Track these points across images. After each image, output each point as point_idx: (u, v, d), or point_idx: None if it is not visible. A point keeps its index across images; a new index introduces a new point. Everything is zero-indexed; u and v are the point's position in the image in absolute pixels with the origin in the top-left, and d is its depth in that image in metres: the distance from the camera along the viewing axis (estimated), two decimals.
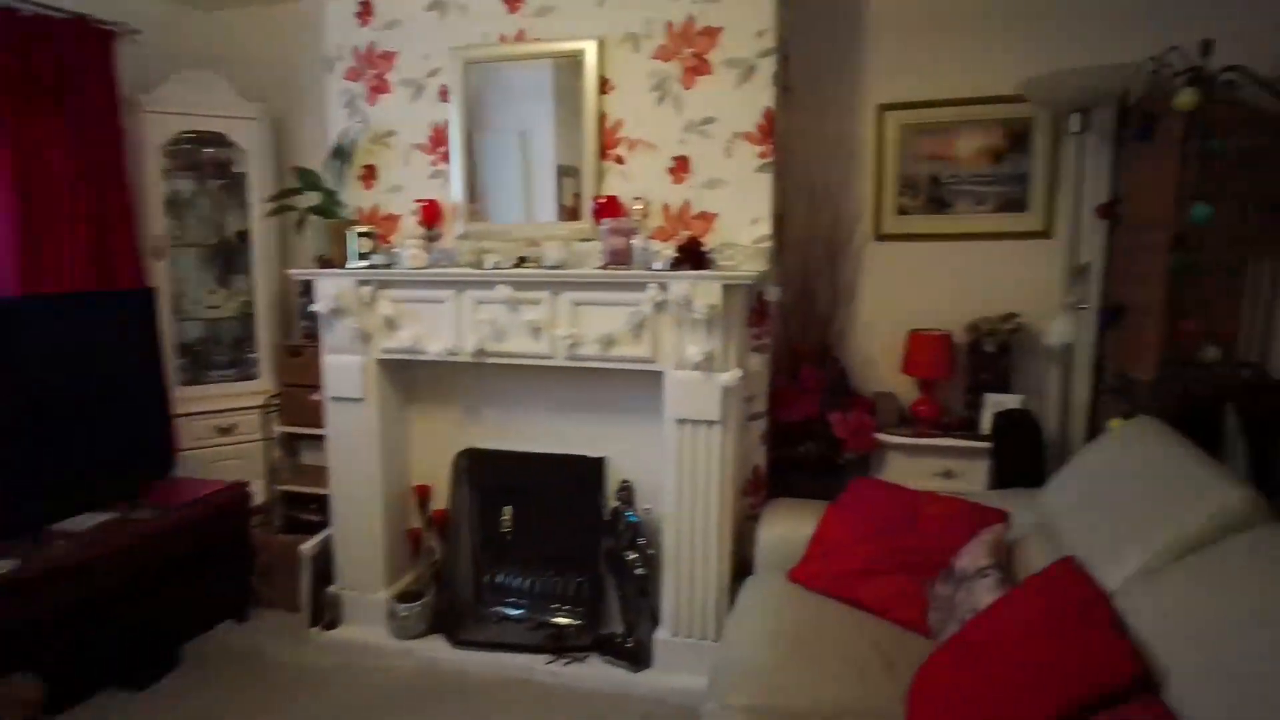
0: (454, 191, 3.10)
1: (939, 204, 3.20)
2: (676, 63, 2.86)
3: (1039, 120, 3.05)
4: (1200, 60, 2.50)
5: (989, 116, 3.10)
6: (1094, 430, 2.90)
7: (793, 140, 3.25)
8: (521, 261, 2.91)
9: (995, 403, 2.96)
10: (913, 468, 3.00)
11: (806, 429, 3.08)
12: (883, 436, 3.02)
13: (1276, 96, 2.77)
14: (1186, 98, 2.40)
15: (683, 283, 2.60)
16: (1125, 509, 1.92)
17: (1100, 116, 2.85)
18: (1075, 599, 1.71)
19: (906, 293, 3.26)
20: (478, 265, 2.91)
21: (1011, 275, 3.13)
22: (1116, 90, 2.70)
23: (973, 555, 2.21)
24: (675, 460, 2.73)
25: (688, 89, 2.86)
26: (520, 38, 3.00)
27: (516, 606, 3.13)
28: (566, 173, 2.99)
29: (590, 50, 2.90)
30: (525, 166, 3.07)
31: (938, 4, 3.13)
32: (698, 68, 2.84)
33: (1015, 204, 3.12)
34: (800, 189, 3.30)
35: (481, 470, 3.19)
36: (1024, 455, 2.78)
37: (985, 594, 2.04)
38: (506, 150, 3.09)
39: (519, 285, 2.81)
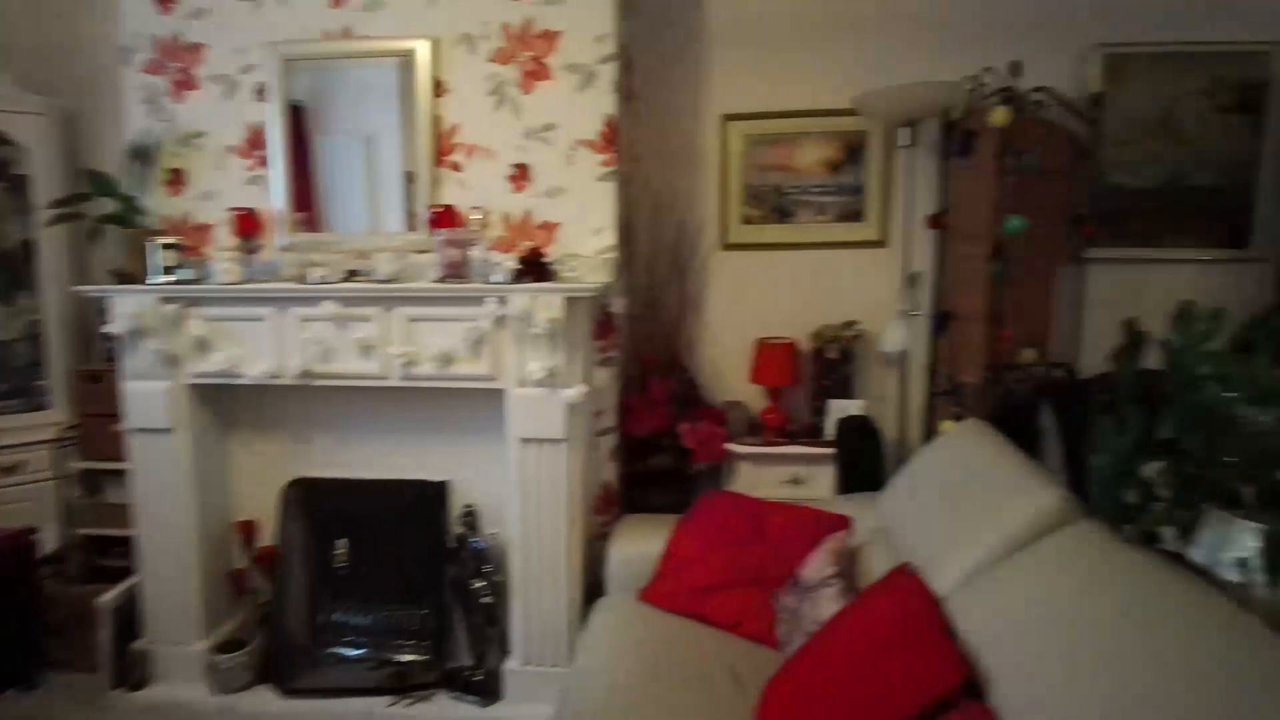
0: (275, 199, 2.84)
1: (782, 214, 3.25)
2: (515, 66, 2.75)
3: (873, 133, 3.15)
4: (1010, 80, 2.64)
5: (827, 129, 3.18)
6: (930, 433, 3.02)
7: (638, 149, 3.21)
8: (352, 275, 2.70)
9: (838, 409, 3.02)
10: (762, 476, 3.01)
11: (657, 442, 3.04)
12: (732, 446, 3.02)
13: (1076, 116, 2.99)
14: (999, 115, 2.53)
15: (523, 296, 2.49)
16: (953, 513, 1.97)
17: (927, 131, 2.98)
18: (909, 607, 1.73)
19: (753, 302, 3.28)
20: (302, 279, 2.68)
21: (852, 283, 3.22)
22: (940, 107, 2.82)
23: (816, 565, 2.22)
24: (520, 481, 2.61)
25: (527, 94, 2.75)
26: (346, 34, 2.80)
27: (355, 646, 2.90)
28: (414, 180, 2.81)
29: (422, 50, 2.74)
30: (370, 173, 2.87)
31: (775, 18, 3.17)
32: (537, 72, 2.74)
33: (853, 214, 3.21)
34: (646, 198, 3.26)
35: (314, 501, 2.94)
36: (866, 460, 2.85)
37: (828, 604, 2.05)
38: (348, 155, 2.88)
39: (347, 300, 2.61)
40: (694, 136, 3.27)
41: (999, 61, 2.87)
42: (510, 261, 2.61)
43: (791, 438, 3.04)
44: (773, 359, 3.07)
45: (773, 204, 3.25)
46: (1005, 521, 1.74)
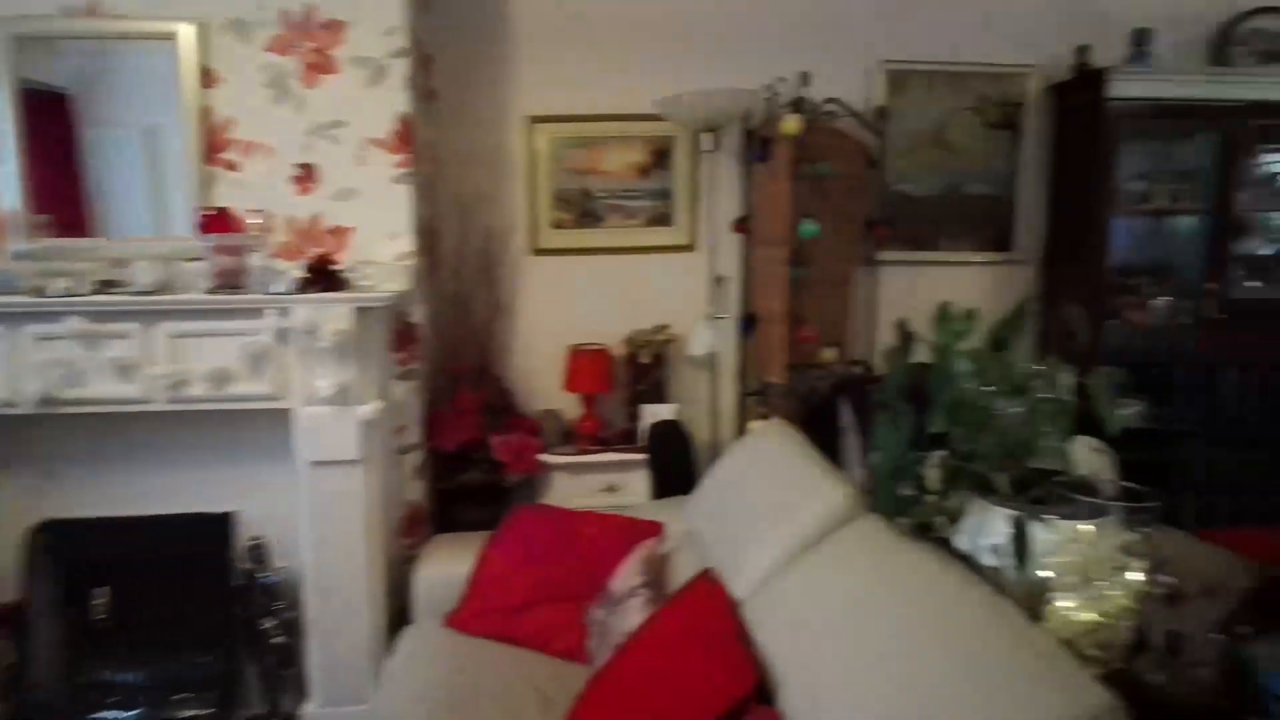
0: (6, 200, 2.46)
1: (592, 218, 3.21)
2: (296, 57, 2.54)
3: (679, 138, 3.18)
4: (800, 90, 2.74)
5: (635, 133, 3.17)
6: (742, 434, 3.08)
7: (442, 150, 3.07)
8: (106, 286, 2.37)
9: (652, 413, 3.02)
10: (578, 485, 2.95)
11: (468, 455, 2.90)
12: (547, 456, 2.94)
13: (865, 127, 3.16)
14: (790, 124, 2.62)
15: (307, 307, 2.28)
16: (752, 514, 1.99)
17: (729, 137, 3.04)
18: (707, 614, 1.72)
19: (566, 307, 3.22)
20: (41, 292, 2.32)
21: (663, 288, 3.23)
22: (739, 113, 2.88)
23: (625, 575, 2.18)
24: (313, 508, 2.40)
25: (311, 88, 2.55)
26: (93, 12, 2.47)
27: (126, 706, 2.55)
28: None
29: (186, 34, 2.48)
30: (154, 170, 2.55)
31: (580, 20, 3.13)
32: (321, 64, 2.55)
33: (662, 218, 3.23)
34: (452, 202, 3.12)
35: (68, 546, 2.56)
36: (677, 464, 2.86)
37: (635, 615, 2.01)
38: (125, 150, 2.54)
39: (97, 315, 2.29)
40: (500, 138, 3.17)
41: (798, 72, 2.98)
42: (296, 270, 2.40)
43: (606, 445, 3.00)
44: (586, 366, 3.02)
45: (582, 208, 3.20)
46: (797, 521, 1.77)
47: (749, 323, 3.01)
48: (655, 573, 2.17)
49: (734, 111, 2.82)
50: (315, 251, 2.50)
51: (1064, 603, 1.25)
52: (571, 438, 3.08)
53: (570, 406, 3.17)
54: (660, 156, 3.19)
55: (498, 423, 2.97)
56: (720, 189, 3.15)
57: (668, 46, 3.15)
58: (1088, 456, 2.53)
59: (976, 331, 1.64)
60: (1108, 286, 3.16)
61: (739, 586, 1.79)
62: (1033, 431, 1.46)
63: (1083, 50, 3.14)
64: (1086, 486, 1.42)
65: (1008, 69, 3.29)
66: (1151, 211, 3.23)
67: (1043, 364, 1.61)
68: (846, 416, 2.81)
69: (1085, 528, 1.32)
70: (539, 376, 3.23)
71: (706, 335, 2.92)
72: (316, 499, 2.40)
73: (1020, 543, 1.31)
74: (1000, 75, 3.29)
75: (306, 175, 2.56)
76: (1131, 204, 3.18)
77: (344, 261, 2.49)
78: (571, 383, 3.06)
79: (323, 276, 2.39)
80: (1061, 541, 1.31)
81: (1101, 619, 1.22)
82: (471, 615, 2.32)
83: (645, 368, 3.12)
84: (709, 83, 2.89)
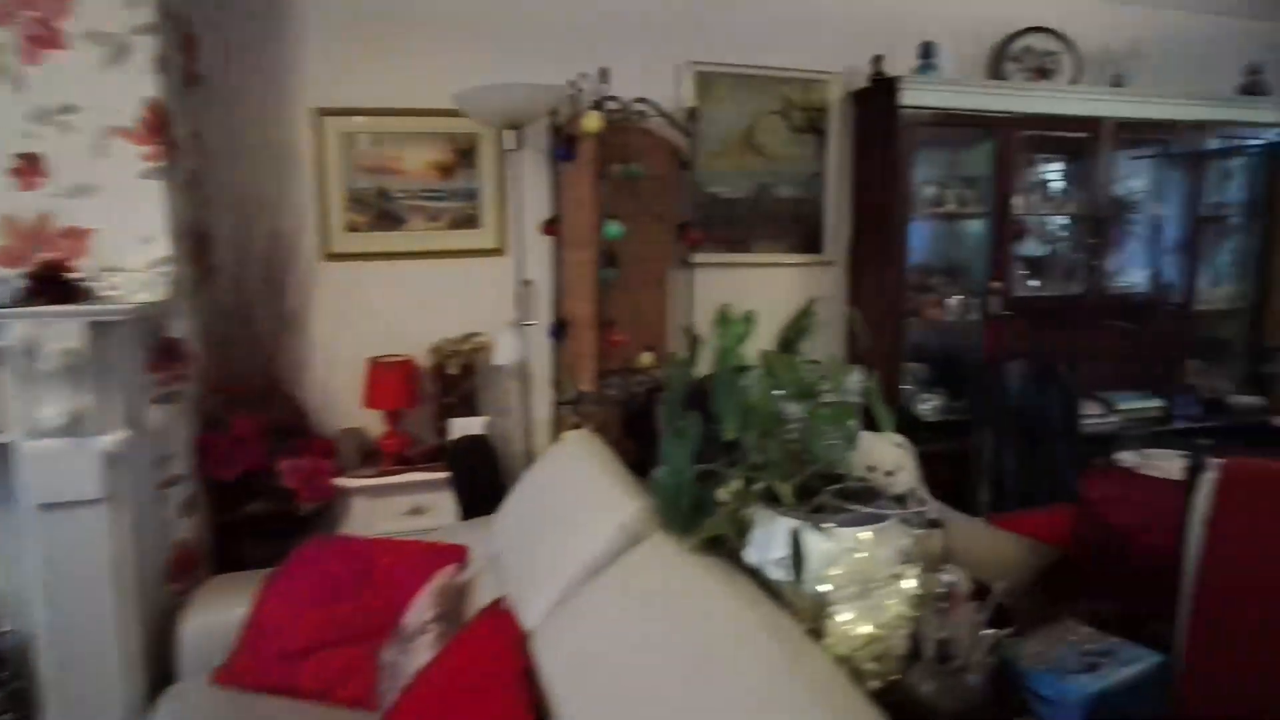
0: None
1: (392, 220, 2.98)
2: (12, 29, 2.15)
3: (485, 136, 3.01)
4: (600, 87, 2.65)
5: (435, 130, 2.97)
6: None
7: (213, 144, 2.74)
8: None
9: (461, 427, 2.83)
10: (381, 509, 2.72)
11: (252, 485, 2.60)
12: (343, 480, 2.68)
13: (675, 128, 3.12)
14: (591, 121, 2.52)
15: (25, 323, 1.93)
16: (549, 534, 1.86)
17: (538, 136, 2.91)
18: (492, 650, 1.57)
19: (365, 317, 2.97)
20: None
21: (471, 294, 3.05)
22: (543, 110, 2.76)
23: (418, 609, 1.99)
24: (46, 559, 2.04)
25: (33, 65, 2.17)
26: None
27: None
28: None
29: None
30: None
31: (373, 4, 2.89)
32: (46, 38, 2.18)
33: (468, 220, 3.05)
34: (230, 202, 2.79)
35: None
36: (484, 481, 2.69)
37: (425, 653, 1.83)
38: None
39: None
40: (285, 132, 2.87)
41: (610, 71, 2.89)
42: (17, 279, 2.03)
43: (411, 464, 2.78)
44: (387, 379, 2.79)
45: (380, 209, 2.96)
46: (589, 541, 1.66)
47: (560, 328, 2.89)
48: (450, 604, 2.00)
49: (537, 108, 2.68)
50: (43, 257, 2.14)
51: (844, 616, 1.21)
52: (374, 458, 2.84)
53: (375, 424, 2.92)
54: (465, 155, 3.01)
55: (287, 446, 2.68)
56: (529, 190, 3.01)
57: (471, 38, 2.98)
58: (890, 451, 2.62)
59: (768, 333, 1.59)
60: (907, 286, 3.30)
61: (530, 616, 1.65)
62: (815, 435, 1.42)
63: (878, 59, 3.26)
64: (867, 492, 1.39)
65: (811, 75, 3.36)
66: (944, 215, 3.41)
67: (830, 364, 1.59)
68: (698, 412, 2.74)
69: (864, 535, 1.28)
70: (337, 393, 2.96)
71: (513, 343, 2.77)
72: (50, 548, 2.04)
73: (796, 555, 1.26)
74: (804, 81, 3.36)
75: (30, 168, 2.18)
76: (926, 207, 3.34)
77: (83, 269, 2.15)
78: (372, 398, 2.82)
79: (51, 286, 2.04)
80: (841, 551, 1.27)
81: (878, 630, 1.18)
82: (244, 668, 2.04)
83: (454, 379, 2.93)
84: (517, 77, 2.74)
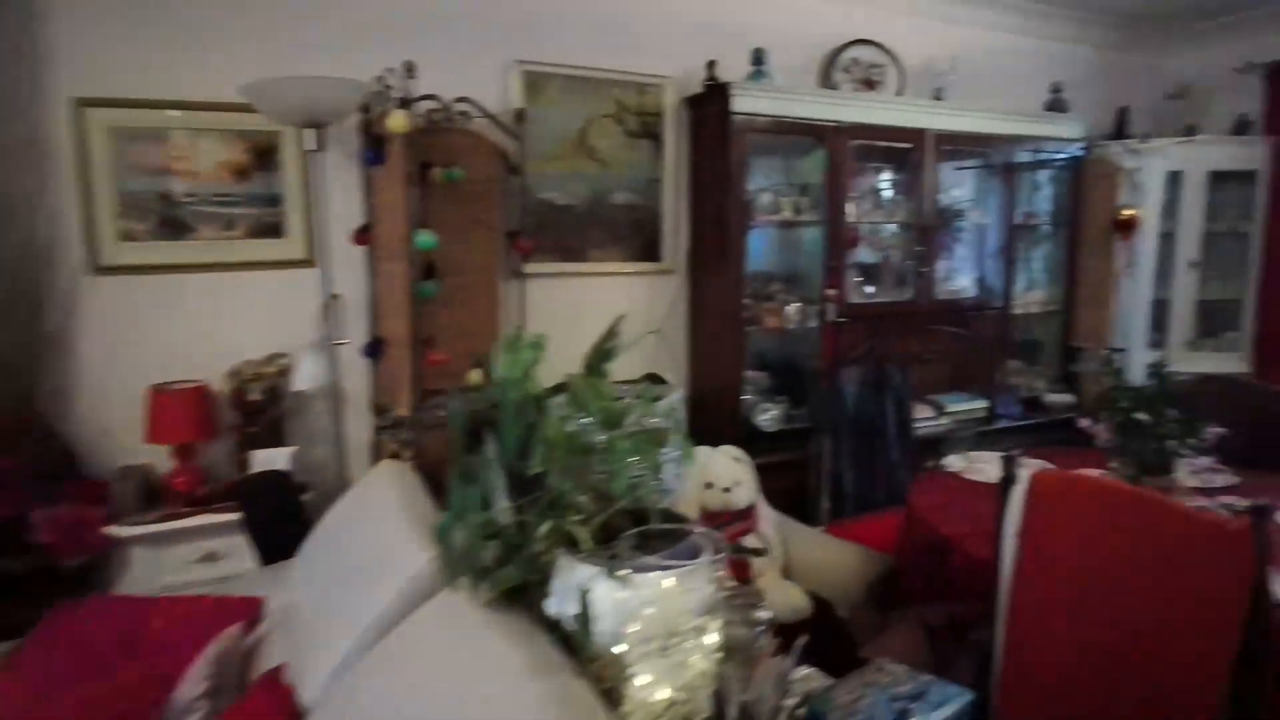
0: None
1: (177, 228, 2.63)
2: None
3: (289, 135, 2.71)
4: (408, 83, 2.43)
5: (228, 126, 2.65)
6: None
7: None
8: None
9: (265, 460, 2.53)
10: (168, 559, 2.38)
11: (2, 539, 2.20)
12: (119, 529, 2.33)
13: (502, 130, 2.94)
14: (397, 120, 2.30)
15: None
16: (338, 587, 1.65)
17: (339, 135, 2.65)
18: None
19: (148, 339, 2.60)
20: None
21: (276, 310, 2.75)
22: (350, 108, 2.50)
23: (190, 681, 1.71)
24: None
25: None
26: None
27: None
28: None
29: None
30: None
31: None
32: None
33: (271, 229, 2.74)
34: None
35: None
36: (282, 522, 2.40)
37: None
38: None
39: None
40: (35, 125, 2.47)
41: (429, 66, 2.67)
42: None
43: (204, 504, 2.45)
44: (173, 409, 2.46)
45: (162, 216, 2.61)
46: (375, 598, 1.46)
47: (375, 347, 2.64)
48: (229, 674, 1.73)
49: (340, 105, 2.42)
50: None
51: (642, 679, 1.07)
52: (162, 499, 2.49)
53: (164, 460, 2.57)
54: (263, 156, 2.70)
55: (48, 492, 2.30)
56: (339, 195, 2.74)
57: (268, 25, 2.68)
58: (728, 466, 2.55)
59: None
60: (747, 294, 3.27)
61: (308, 688, 1.43)
62: (617, 467, 1.29)
63: (712, 64, 3.20)
64: (674, 533, 1.27)
65: (645, 78, 3.27)
66: (781, 223, 3.41)
67: (641, 387, 1.46)
68: (490, 447, 2.55)
69: (667, 583, 1.15)
70: (116, 425, 2.57)
71: (314, 366, 2.50)
72: None
73: (583, 614, 1.12)
74: (638, 84, 3.27)
75: None
76: (763, 215, 3.32)
77: None
78: (155, 431, 2.47)
79: None
80: (640, 603, 1.13)
81: (679, 694, 1.06)
82: None
83: (257, 406, 2.62)
84: (325, 70, 2.47)
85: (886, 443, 3.21)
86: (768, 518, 2.59)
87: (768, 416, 3.24)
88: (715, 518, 2.39)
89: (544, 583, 1.32)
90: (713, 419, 3.28)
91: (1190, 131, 4.08)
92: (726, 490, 2.44)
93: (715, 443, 2.53)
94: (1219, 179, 3.98)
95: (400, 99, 2.38)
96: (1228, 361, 3.97)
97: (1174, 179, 3.93)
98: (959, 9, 3.89)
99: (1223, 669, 1.43)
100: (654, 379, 3.20)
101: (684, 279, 3.45)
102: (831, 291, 3.31)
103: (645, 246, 3.36)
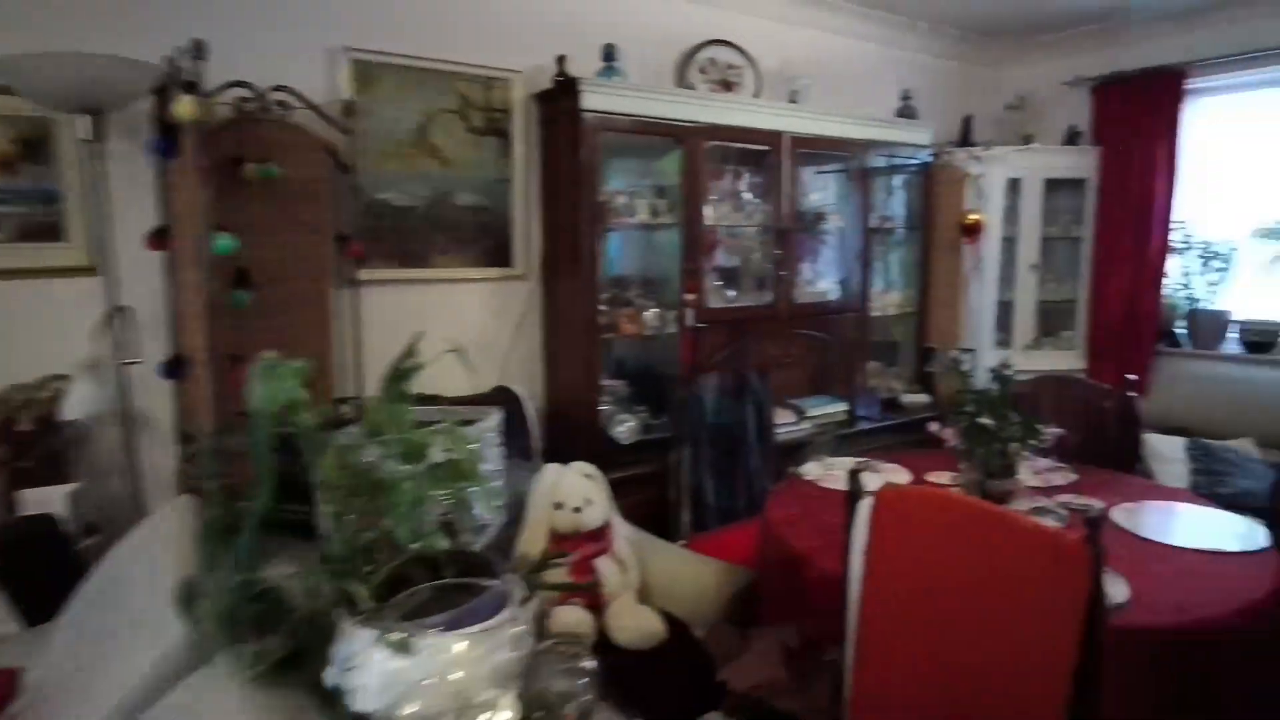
0: None
1: None
2: None
3: (66, 124, 2.35)
4: (195, 64, 2.14)
5: None
6: None
7: None
8: None
9: (37, 500, 2.16)
10: None
11: None
12: None
13: (330, 124, 2.68)
14: (185, 107, 2.01)
15: None
16: (91, 661, 1.37)
17: (128, 123, 2.31)
18: None
19: None
20: None
21: (53, 325, 2.36)
22: (133, 90, 2.18)
23: None
24: None
25: None
26: None
27: None
28: None
29: None
30: None
31: None
32: None
33: (46, 231, 2.36)
34: None
35: None
36: (49, 576, 2.06)
37: None
38: None
39: None
40: None
41: (243, 50, 2.38)
42: None
43: None
44: None
45: None
46: (123, 678, 1.20)
47: (175, 366, 2.32)
48: None
49: (122, 87, 2.10)
50: None
51: None
52: None
53: None
54: (33, 147, 2.33)
55: None
56: (131, 194, 2.39)
57: None
58: (578, 484, 2.39)
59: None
60: (603, 299, 3.13)
61: None
62: (408, 510, 1.10)
63: (562, 60, 3.04)
64: (471, 587, 1.09)
65: (491, 72, 3.07)
66: (638, 225, 3.28)
67: (446, 412, 1.28)
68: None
69: (458, 647, 0.97)
70: None
71: (86, 392, 2.16)
72: None
73: (337, 687, 0.92)
74: (484, 78, 3.06)
75: None
76: (620, 217, 3.19)
77: None
78: None
79: None
80: (423, 674, 0.95)
81: None
82: None
83: (28, 437, 2.24)
84: (114, 48, 2.12)
85: (747, 450, 3.14)
86: (624, 536, 2.45)
87: (625, 427, 3.11)
88: (566, 540, 2.23)
89: (325, 647, 1.12)
90: (569, 432, 3.12)
91: (1028, 140, 4.27)
92: (577, 510, 2.27)
93: (573, 457, 2.37)
94: (1054, 186, 4.20)
95: (188, 82, 2.08)
96: (1065, 359, 4.18)
97: (1014, 185, 4.11)
98: (812, 13, 3.90)
99: (1064, 682, 1.39)
100: (503, 392, 3.01)
101: (537, 285, 3.27)
102: (690, 296, 3.22)
103: (494, 251, 3.15)
